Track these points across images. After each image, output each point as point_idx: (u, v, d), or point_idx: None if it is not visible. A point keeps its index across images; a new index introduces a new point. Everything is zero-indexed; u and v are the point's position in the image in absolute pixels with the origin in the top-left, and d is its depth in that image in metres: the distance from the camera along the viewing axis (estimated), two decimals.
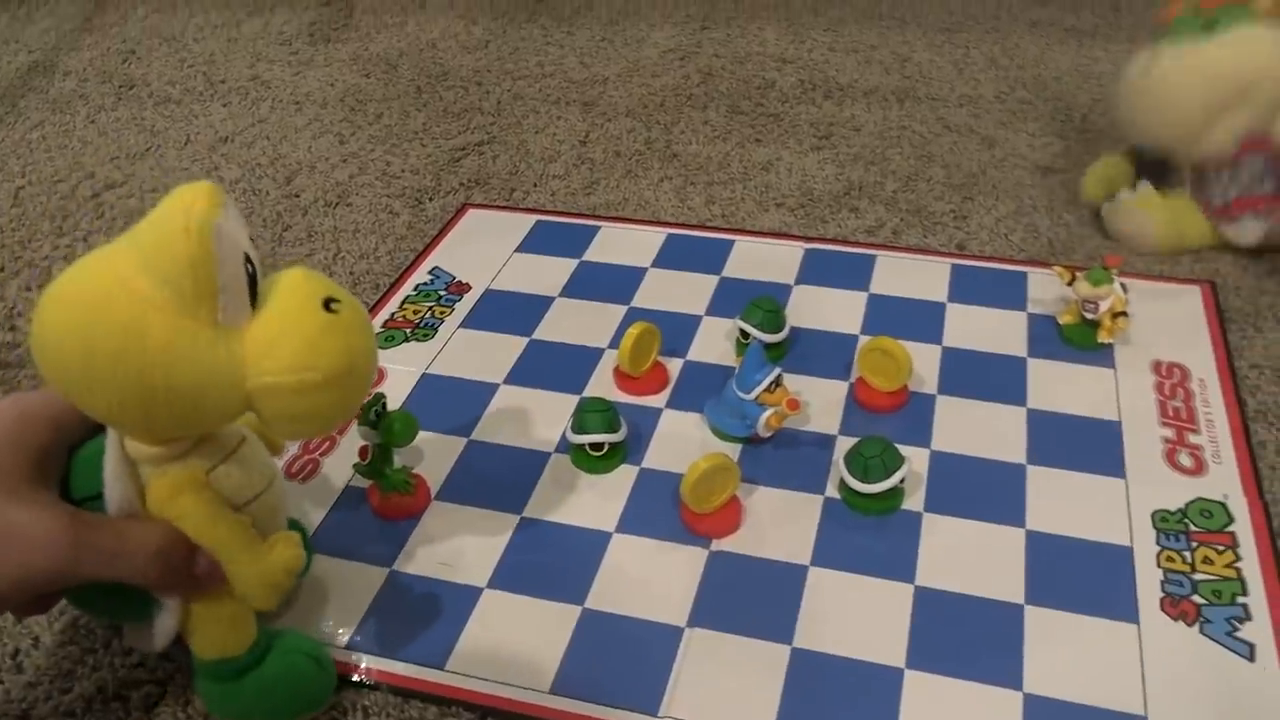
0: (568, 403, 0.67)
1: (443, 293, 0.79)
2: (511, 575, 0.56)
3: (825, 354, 0.71)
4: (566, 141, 1.02)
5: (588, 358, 0.72)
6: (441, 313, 0.77)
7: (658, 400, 0.68)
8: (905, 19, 1.28)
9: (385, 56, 1.24)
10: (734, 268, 0.81)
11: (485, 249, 0.84)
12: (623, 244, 0.84)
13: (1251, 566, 0.55)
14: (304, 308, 0.41)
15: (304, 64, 1.23)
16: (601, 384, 0.70)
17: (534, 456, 0.64)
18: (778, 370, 0.62)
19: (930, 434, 0.64)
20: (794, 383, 0.66)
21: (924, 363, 0.69)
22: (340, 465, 0.64)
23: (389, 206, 0.92)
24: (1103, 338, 0.69)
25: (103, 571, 0.42)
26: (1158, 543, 0.56)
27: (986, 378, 0.68)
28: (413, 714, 0.50)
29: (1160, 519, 0.58)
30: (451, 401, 0.69)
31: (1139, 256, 0.80)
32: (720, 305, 0.76)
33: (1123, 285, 0.69)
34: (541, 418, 0.67)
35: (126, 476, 0.43)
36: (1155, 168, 0.82)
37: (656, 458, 0.64)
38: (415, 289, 0.80)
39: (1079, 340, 0.70)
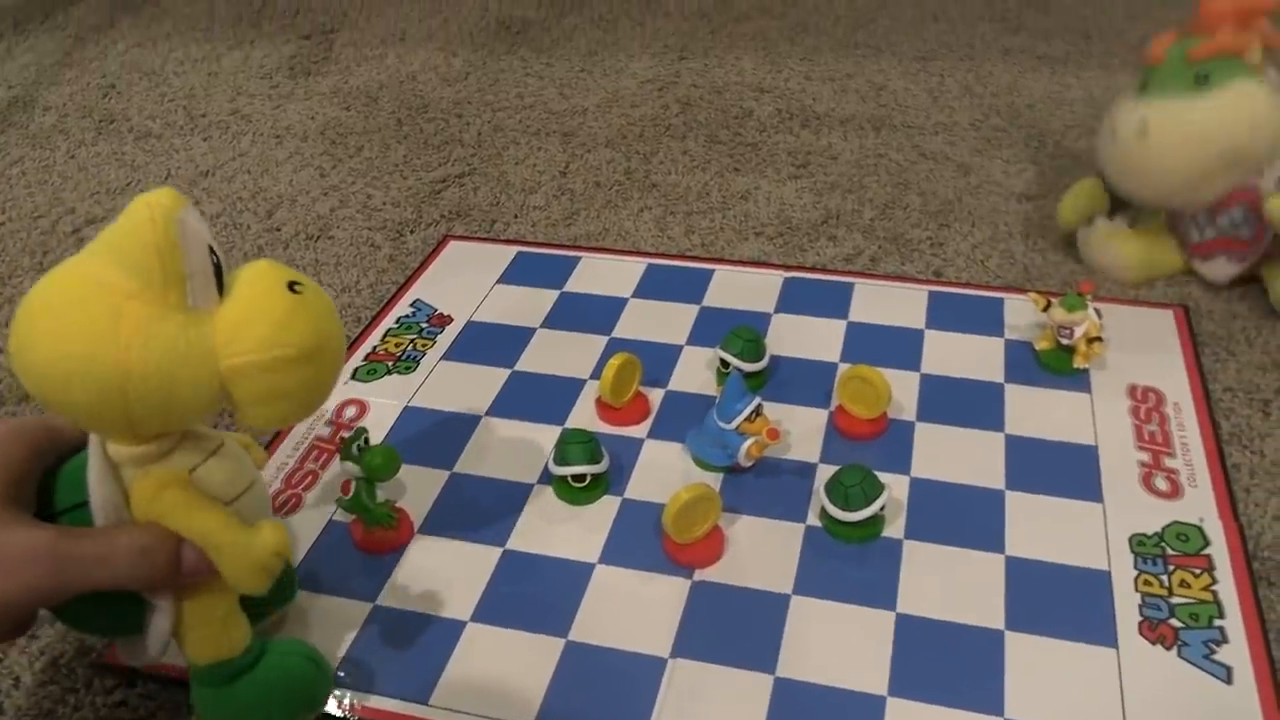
0: (550, 434, 0.68)
1: (424, 325, 0.80)
2: (495, 608, 0.56)
3: (805, 382, 0.71)
4: (547, 172, 1.03)
5: (569, 389, 0.72)
6: (423, 345, 0.77)
7: (639, 431, 0.68)
8: (880, 48, 1.29)
9: (365, 89, 1.25)
10: (714, 297, 0.81)
11: (467, 281, 0.85)
12: (603, 274, 0.85)
13: (1228, 589, 0.55)
14: (271, 290, 0.42)
15: (284, 97, 1.23)
16: (583, 415, 0.70)
17: (517, 488, 0.64)
18: (758, 400, 0.62)
19: (910, 461, 0.65)
20: (774, 411, 0.66)
21: (903, 390, 0.70)
22: (323, 500, 0.64)
23: (370, 239, 0.92)
24: (1078, 363, 0.70)
25: (90, 581, 0.42)
26: (1135, 567, 0.57)
27: (964, 404, 0.69)
28: None
29: (1137, 543, 0.58)
30: (434, 434, 0.69)
31: (1113, 283, 0.81)
32: (701, 335, 0.77)
33: (1097, 311, 0.70)
34: (524, 449, 0.67)
35: (110, 480, 0.43)
36: None
37: (638, 488, 0.64)
38: (397, 322, 0.80)
39: (1055, 365, 0.71)
